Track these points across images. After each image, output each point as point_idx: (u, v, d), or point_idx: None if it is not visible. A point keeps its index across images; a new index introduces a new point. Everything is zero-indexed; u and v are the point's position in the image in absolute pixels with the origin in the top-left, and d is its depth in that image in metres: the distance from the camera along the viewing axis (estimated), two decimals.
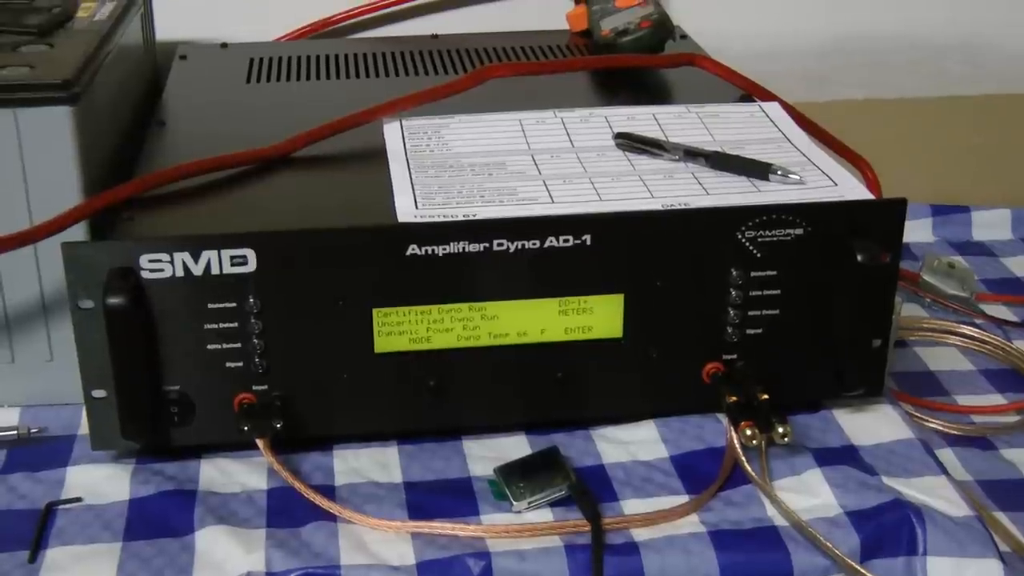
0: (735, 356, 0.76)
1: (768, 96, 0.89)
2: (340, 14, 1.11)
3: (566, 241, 0.72)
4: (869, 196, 0.75)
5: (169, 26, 1.05)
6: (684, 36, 1.04)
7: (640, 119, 0.85)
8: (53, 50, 0.79)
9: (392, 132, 0.83)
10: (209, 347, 0.72)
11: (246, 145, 0.81)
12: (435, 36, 1.08)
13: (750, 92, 0.90)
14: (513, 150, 0.81)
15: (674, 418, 0.78)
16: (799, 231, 0.74)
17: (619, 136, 0.82)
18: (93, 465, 0.74)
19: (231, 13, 1.09)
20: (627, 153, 0.81)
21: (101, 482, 0.73)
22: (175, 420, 0.73)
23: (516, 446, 0.77)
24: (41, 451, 0.76)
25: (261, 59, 1.02)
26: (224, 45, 1.06)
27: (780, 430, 0.72)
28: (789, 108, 0.88)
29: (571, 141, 0.83)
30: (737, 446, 0.73)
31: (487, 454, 0.76)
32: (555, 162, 0.80)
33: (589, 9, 1.03)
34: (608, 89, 0.95)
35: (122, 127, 0.87)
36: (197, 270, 0.70)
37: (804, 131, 0.85)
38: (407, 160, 0.80)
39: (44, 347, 0.78)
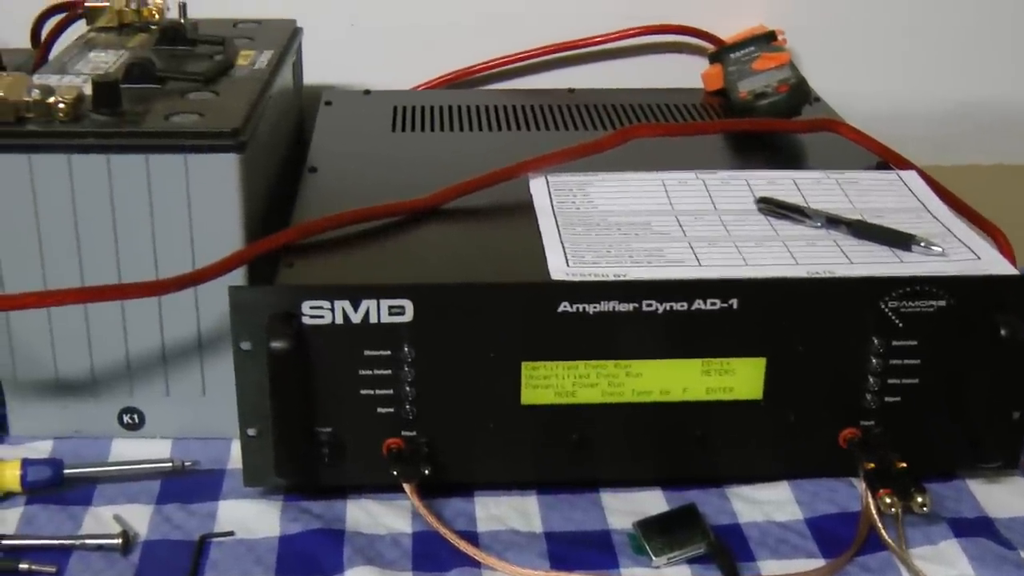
0: (872, 423, 0.77)
1: (905, 164, 0.91)
2: (478, 65, 1.14)
3: (713, 304, 0.74)
4: (1013, 271, 0.76)
5: (312, 71, 1.08)
6: (818, 98, 1.06)
7: (780, 183, 0.87)
8: (219, 98, 0.82)
9: (538, 187, 0.86)
10: (362, 392, 0.74)
11: (395, 194, 0.84)
12: (572, 91, 1.11)
13: (887, 159, 0.92)
14: (657, 210, 0.83)
15: (807, 480, 0.79)
16: (942, 303, 0.75)
17: (762, 200, 0.83)
18: (243, 500, 0.77)
19: (372, 59, 1.13)
20: (769, 218, 0.83)
21: (251, 517, 0.76)
22: (325, 460, 0.76)
23: (652, 501, 0.78)
24: (193, 483, 0.79)
25: (404, 107, 1.05)
26: (367, 92, 1.10)
27: (919, 499, 0.73)
28: (927, 177, 0.89)
29: (713, 203, 0.84)
30: (874, 512, 0.74)
31: (624, 507, 0.77)
32: (699, 224, 0.81)
33: (725, 70, 1.05)
34: (745, 151, 0.97)
35: (275, 171, 0.91)
36: (356, 318, 0.73)
37: (942, 200, 0.86)
38: (555, 216, 0.82)
39: (198, 382, 0.82)
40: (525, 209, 0.84)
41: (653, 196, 0.85)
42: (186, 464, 0.79)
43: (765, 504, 0.78)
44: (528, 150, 0.89)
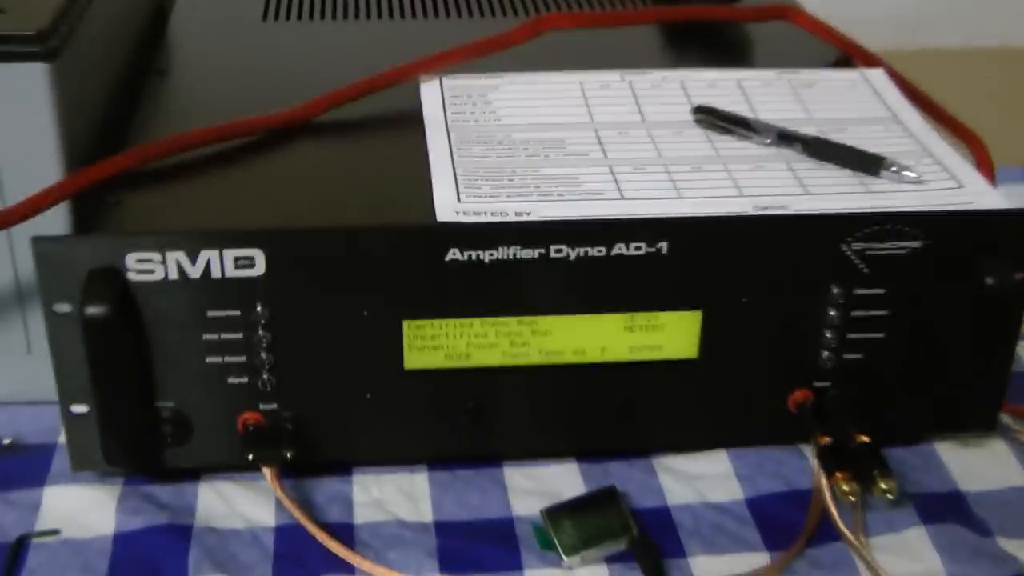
0: (828, 384, 0.65)
1: (871, 60, 0.76)
2: None
3: (638, 249, 0.60)
4: (1001, 204, 0.63)
5: None
6: None
7: (722, 86, 0.73)
8: None
9: (431, 95, 0.71)
10: (208, 360, 0.61)
11: (262, 102, 0.70)
12: None
13: (850, 54, 0.77)
14: (573, 123, 0.69)
15: (750, 450, 0.67)
16: (916, 244, 0.61)
17: (699, 111, 0.69)
18: (74, 485, 0.64)
19: None
20: (708, 132, 0.69)
21: (82, 509, 0.63)
22: (169, 440, 0.62)
23: (565, 477, 0.65)
24: (15, 464, 0.65)
25: None
26: None
27: (883, 486, 0.60)
28: (896, 75, 0.75)
29: (641, 113, 0.70)
30: (828, 497, 0.62)
31: (531, 487, 0.65)
32: (623, 141, 0.67)
33: None
34: (681, 45, 0.82)
35: (114, 79, 0.74)
36: (194, 272, 0.58)
37: (915, 106, 0.72)
38: (448, 133, 0.67)
39: (21, 338, 0.67)
40: (412, 122, 0.69)
41: (569, 104, 0.71)
42: (5, 442, 0.66)
43: (699, 479, 0.66)
44: (422, 44, 0.74)
